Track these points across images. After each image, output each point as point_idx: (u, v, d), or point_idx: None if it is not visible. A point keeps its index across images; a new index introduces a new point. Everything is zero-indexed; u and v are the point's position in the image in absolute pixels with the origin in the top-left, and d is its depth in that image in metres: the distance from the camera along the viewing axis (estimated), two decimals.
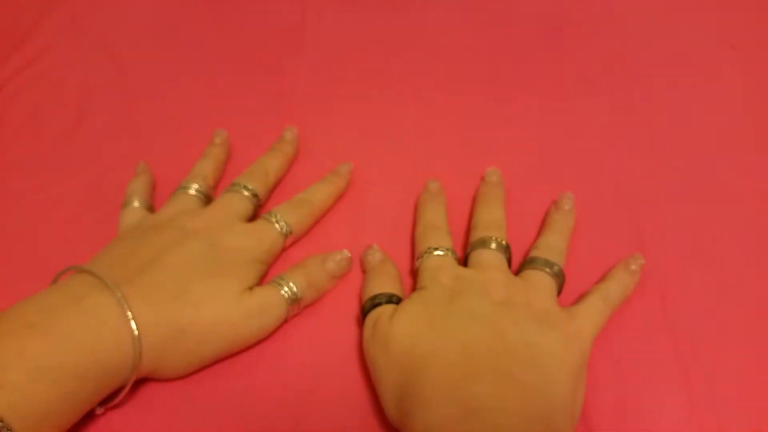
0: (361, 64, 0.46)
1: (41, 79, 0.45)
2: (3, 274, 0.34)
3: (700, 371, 0.31)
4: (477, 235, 0.33)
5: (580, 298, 0.32)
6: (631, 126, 0.42)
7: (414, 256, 0.34)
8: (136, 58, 0.46)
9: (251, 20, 0.49)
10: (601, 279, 0.33)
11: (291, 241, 0.34)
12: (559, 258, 0.32)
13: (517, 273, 0.32)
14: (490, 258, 0.32)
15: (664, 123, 0.42)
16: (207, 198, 0.35)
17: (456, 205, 0.37)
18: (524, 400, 0.25)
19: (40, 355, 0.24)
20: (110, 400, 0.27)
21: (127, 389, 0.27)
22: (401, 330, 0.28)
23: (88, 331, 0.25)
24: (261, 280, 0.33)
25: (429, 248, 0.32)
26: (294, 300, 0.31)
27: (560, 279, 0.32)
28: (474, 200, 0.37)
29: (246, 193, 0.35)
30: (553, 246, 0.33)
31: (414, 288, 0.32)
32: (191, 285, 0.29)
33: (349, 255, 0.33)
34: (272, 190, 0.37)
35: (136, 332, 0.26)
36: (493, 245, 0.32)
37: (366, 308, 0.31)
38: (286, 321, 0.31)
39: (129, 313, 0.26)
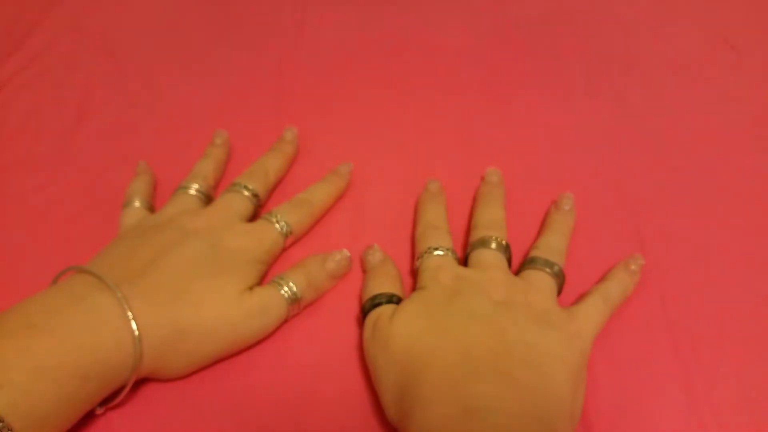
0: (361, 64, 0.46)
1: (41, 79, 0.45)
2: (3, 274, 0.34)
3: (700, 371, 0.31)
4: (477, 234, 0.33)
5: (580, 298, 0.32)
6: (631, 126, 0.42)
7: (414, 256, 0.34)
8: (136, 58, 0.46)
9: (251, 20, 0.49)
10: (601, 279, 0.33)
11: (291, 241, 0.34)
12: (559, 258, 0.32)
13: (517, 273, 0.32)
14: (490, 258, 0.32)
15: (664, 123, 0.42)
16: (207, 198, 0.35)
17: (456, 205, 0.37)
18: (524, 400, 0.25)
19: (40, 354, 0.24)
20: (110, 400, 0.27)
21: (127, 389, 0.27)
22: (401, 330, 0.28)
23: (88, 331, 0.25)
24: (261, 280, 0.33)
25: (429, 248, 0.32)
26: (294, 300, 0.31)
27: (560, 279, 0.32)
28: (474, 200, 0.37)
29: (246, 193, 0.35)
30: (553, 246, 0.33)
31: (414, 288, 0.32)
32: (191, 285, 0.29)
33: (349, 255, 0.33)
34: (272, 190, 0.38)
35: (136, 332, 0.26)
36: (493, 245, 0.32)
37: (366, 308, 0.31)
38: (286, 321, 0.31)
39: (129, 314, 0.26)
